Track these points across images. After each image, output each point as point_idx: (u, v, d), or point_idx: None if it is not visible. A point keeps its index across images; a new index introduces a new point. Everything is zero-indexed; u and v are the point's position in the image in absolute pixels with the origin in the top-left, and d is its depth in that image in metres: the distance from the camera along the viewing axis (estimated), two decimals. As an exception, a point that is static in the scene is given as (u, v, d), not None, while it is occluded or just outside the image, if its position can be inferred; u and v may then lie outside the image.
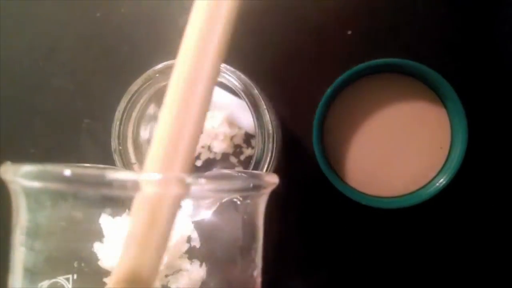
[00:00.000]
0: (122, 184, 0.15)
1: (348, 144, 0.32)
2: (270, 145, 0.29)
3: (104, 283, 0.19)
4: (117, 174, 0.15)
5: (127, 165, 0.29)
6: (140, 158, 0.30)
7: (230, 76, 0.28)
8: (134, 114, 0.29)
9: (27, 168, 0.15)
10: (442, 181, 0.31)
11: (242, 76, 0.29)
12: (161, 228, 0.15)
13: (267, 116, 0.28)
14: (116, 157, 0.29)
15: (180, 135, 0.16)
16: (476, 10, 0.33)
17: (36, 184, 0.16)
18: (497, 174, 0.34)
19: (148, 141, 0.31)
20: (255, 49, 0.35)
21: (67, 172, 0.14)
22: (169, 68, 0.27)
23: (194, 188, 0.16)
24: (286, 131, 0.34)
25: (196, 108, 0.16)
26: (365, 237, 0.35)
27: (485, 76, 0.33)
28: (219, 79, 0.29)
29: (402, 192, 0.32)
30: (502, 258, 0.34)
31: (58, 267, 0.19)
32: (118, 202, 0.19)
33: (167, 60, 0.28)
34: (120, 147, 0.29)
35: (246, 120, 0.32)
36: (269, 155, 0.29)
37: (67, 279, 0.19)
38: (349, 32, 0.34)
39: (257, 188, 0.18)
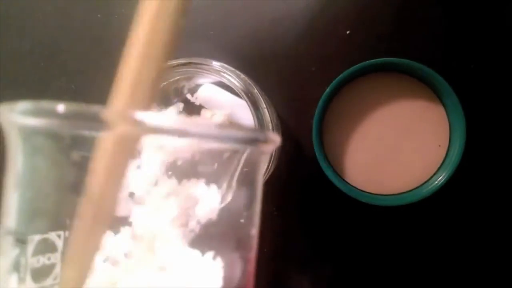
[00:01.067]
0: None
1: (348, 143, 0.33)
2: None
3: None
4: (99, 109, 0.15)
5: None
6: None
7: (230, 75, 0.28)
8: None
9: (24, 104, 0.15)
10: (440, 179, 0.31)
11: (242, 75, 0.29)
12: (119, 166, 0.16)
13: (267, 115, 0.29)
14: None
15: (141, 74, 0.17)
16: (475, 9, 0.34)
17: (31, 120, 0.15)
18: (495, 172, 0.34)
19: None
20: (254, 49, 0.35)
21: (61, 107, 0.14)
22: (169, 68, 0.28)
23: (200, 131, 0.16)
24: (286, 129, 0.35)
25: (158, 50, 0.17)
26: (364, 235, 0.35)
27: (483, 74, 0.34)
28: (219, 79, 0.29)
29: (401, 190, 0.33)
30: (501, 255, 0.34)
31: (50, 221, 0.18)
32: None
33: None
34: None
35: (246, 119, 0.32)
36: (269, 157, 0.29)
37: (59, 236, 0.18)
38: (348, 32, 0.34)
39: (259, 141, 0.17)
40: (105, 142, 0.16)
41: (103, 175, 0.16)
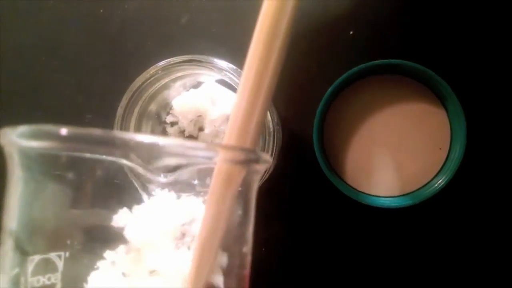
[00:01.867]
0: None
1: (348, 144, 0.33)
2: (271, 144, 0.29)
3: (95, 264, 0.19)
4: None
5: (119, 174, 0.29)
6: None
7: (232, 74, 0.28)
8: (136, 110, 0.29)
9: (25, 128, 0.15)
10: (441, 181, 0.31)
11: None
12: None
13: (268, 115, 0.29)
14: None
15: (252, 114, 0.19)
16: (476, 11, 0.34)
17: (31, 143, 0.16)
18: (496, 175, 0.34)
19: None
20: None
21: (64, 131, 0.15)
22: (171, 65, 0.28)
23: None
24: (287, 130, 0.34)
25: (265, 92, 0.19)
26: (364, 236, 0.35)
27: (485, 77, 0.34)
28: (222, 77, 0.29)
29: (401, 192, 0.33)
30: (501, 258, 0.34)
31: (50, 242, 0.19)
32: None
33: (169, 57, 0.29)
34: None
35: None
36: (270, 153, 0.29)
37: (59, 256, 0.19)
38: (351, 33, 0.34)
39: (253, 161, 0.18)
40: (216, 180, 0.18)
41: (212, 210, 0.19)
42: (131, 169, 0.20)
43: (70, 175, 0.18)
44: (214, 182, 0.19)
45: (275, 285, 0.35)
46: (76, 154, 0.16)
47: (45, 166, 0.18)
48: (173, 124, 0.33)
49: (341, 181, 0.33)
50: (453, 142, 0.32)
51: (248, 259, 0.20)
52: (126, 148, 0.16)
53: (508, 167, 0.34)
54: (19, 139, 0.16)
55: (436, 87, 0.31)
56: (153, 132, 0.32)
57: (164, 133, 0.33)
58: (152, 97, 0.30)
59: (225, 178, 0.18)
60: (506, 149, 0.34)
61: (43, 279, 0.18)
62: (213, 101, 0.31)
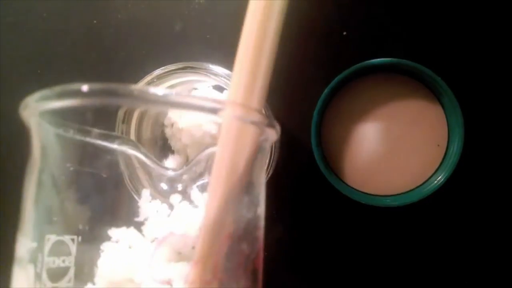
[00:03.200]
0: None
1: (346, 143, 0.33)
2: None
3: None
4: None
5: (129, 166, 0.29)
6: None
7: (228, 80, 0.28)
8: (135, 115, 0.29)
9: (45, 91, 0.16)
10: (439, 178, 0.31)
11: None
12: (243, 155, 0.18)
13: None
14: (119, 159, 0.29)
15: (257, 75, 0.19)
16: (472, 9, 0.34)
17: (55, 104, 0.16)
18: (494, 171, 0.34)
19: (150, 140, 0.31)
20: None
21: (85, 87, 0.15)
22: (166, 73, 0.28)
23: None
24: (284, 130, 0.34)
25: (268, 47, 0.19)
26: (363, 235, 0.35)
27: (481, 74, 0.34)
28: (218, 83, 0.29)
29: (400, 190, 0.33)
30: (500, 255, 0.34)
31: (65, 224, 0.20)
32: None
33: (164, 65, 0.29)
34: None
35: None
36: (268, 154, 0.29)
37: (73, 240, 0.20)
38: (345, 33, 0.34)
39: (265, 124, 0.19)
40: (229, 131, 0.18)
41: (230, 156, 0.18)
42: (140, 162, 0.21)
43: (93, 131, 0.19)
44: (225, 138, 0.18)
45: (276, 285, 0.35)
46: (92, 142, 0.17)
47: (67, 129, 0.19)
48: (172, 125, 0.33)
49: (340, 180, 0.33)
50: (450, 139, 0.32)
51: (262, 221, 0.20)
52: (144, 99, 0.16)
53: (506, 162, 0.34)
54: (41, 102, 0.16)
55: (432, 84, 0.32)
56: (152, 133, 0.32)
57: (162, 133, 0.33)
58: None
59: (237, 135, 0.18)
60: (503, 144, 0.34)
61: (58, 261, 0.19)
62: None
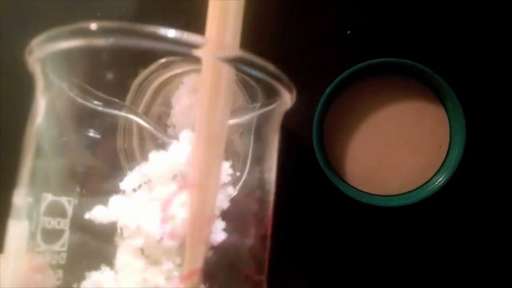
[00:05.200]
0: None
1: (348, 143, 0.33)
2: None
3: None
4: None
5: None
6: (145, 156, 0.29)
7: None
8: (141, 103, 0.29)
9: (55, 30, 0.16)
10: (441, 179, 0.31)
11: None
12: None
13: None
14: (121, 155, 0.28)
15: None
16: (475, 9, 0.34)
17: (69, 43, 0.16)
18: (496, 173, 0.34)
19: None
20: (254, 49, 0.35)
21: (93, 25, 0.15)
22: (172, 62, 0.28)
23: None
24: (286, 130, 0.34)
25: None
26: (364, 235, 0.34)
27: (484, 75, 0.34)
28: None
29: (401, 191, 0.33)
30: (501, 256, 0.34)
31: (62, 185, 0.19)
32: None
33: (168, 56, 0.29)
34: (125, 145, 0.28)
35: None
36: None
37: (69, 202, 0.19)
38: (349, 32, 0.35)
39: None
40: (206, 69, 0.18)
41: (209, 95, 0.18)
42: (140, 130, 0.21)
43: (107, 74, 0.19)
44: (202, 79, 0.18)
45: (276, 285, 0.34)
46: (90, 106, 0.17)
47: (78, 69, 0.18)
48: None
49: (342, 180, 0.32)
50: (452, 140, 0.32)
51: (273, 187, 0.20)
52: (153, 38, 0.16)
53: (507, 164, 0.34)
54: (48, 43, 0.16)
55: (435, 85, 0.32)
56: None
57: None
58: (155, 95, 0.30)
59: (212, 74, 0.18)
60: (505, 146, 0.34)
61: (53, 222, 0.19)
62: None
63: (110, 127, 0.19)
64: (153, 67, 0.27)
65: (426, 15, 0.34)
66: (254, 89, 0.23)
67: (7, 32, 0.37)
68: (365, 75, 0.33)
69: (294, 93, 0.19)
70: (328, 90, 0.31)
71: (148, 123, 0.22)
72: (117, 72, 0.18)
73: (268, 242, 0.20)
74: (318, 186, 0.34)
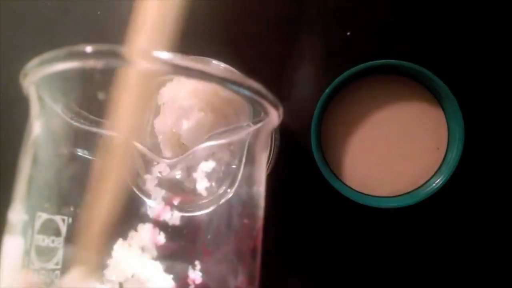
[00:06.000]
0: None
1: (346, 145, 0.33)
2: (269, 145, 0.29)
3: None
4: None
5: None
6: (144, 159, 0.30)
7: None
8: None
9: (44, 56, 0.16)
10: (439, 181, 0.31)
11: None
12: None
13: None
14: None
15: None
16: (474, 12, 0.34)
17: (59, 66, 0.16)
18: (493, 175, 0.34)
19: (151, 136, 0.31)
20: (253, 50, 0.35)
21: (88, 48, 0.15)
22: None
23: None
24: (285, 131, 0.34)
25: None
26: (362, 236, 0.35)
27: (482, 77, 0.34)
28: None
29: (399, 192, 0.33)
30: (499, 257, 0.34)
31: (57, 204, 0.19)
32: None
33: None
34: None
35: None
36: (268, 156, 0.29)
37: (63, 220, 0.20)
38: (348, 33, 0.34)
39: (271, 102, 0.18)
40: (129, 78, 0.17)
41: (128, 107, 0.18)
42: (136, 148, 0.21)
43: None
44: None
45: (275, 285, 0.35)
46: (84, 128, 0.17)
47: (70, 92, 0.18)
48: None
49: (340, 182, 0.33)
50: (450, 142, 0.32)
51: (262, 201, 0.21)
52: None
53: (505, 166, 0.34)
54: (41, 67, 0.16)
55: (433, 87, 0.32)
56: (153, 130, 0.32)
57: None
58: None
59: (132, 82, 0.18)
60: (503, 148, 0.34)
61: (47, 240, 0.19)
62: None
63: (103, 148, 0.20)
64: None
65: (424, 17, 0.34)
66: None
67: (6, 38, 0.37)
68: (364, 77, 0.32)
69: (281, 110, 0.19)
70: (326, 91, 0.31)
71: (141, 144, 0.22)
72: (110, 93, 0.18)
73: (259, 254, 0.20)
74: (316, 187, 0.34)
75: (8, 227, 0.18)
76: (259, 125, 0.20)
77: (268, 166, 0.31)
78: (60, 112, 0.18)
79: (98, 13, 0.36)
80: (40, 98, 0.18)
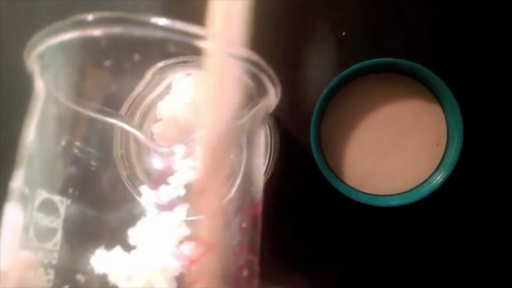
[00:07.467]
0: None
1: (346, 143, 0.33)
2: (268, 148, 0.29)
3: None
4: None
5: (130, 168, 0.29)
6: (143, 162, 0.30)
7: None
8: (136, 117, 0.29)
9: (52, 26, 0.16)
10: (439, 178, 0.31)
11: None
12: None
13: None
14: (117, 161, 0.28)
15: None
16: (472, 9, 0.34)
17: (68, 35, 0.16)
18: (493, 171, 0.34)
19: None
20: (251, 50, 0.35)
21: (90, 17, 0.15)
22: (170, 66, 0.28)
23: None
24: (284, 131, 0.34)
25: None
26: (363, 235, 0.35)
27: (480, 74, 0.34)
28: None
29: (400, 190, 0.33)
30: (499, 254, 0.34)
31: (56, 184, 0.20)
32: None
33: (167, 59, 0.29)
34: (123, 151, 0.29)
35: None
36: (267, 155, 0.29)
37: (62, 202, 0.19)
38: (344, 33, 0.35)
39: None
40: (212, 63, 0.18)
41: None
42: (135, 139, 0.21)
43: (106, 62, 0.19)
44: (209, 73, 0.18)
45: (275, 285, 0.34)
46: (89, 114, 0.18)
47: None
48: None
49: (340, 181, 0.33)
50: (450, 139, 0.32)
51: (261, 171, 0.21)
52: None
53: (505, 162, 0.34)
54: (45, 39, 0.16)
55: (431, 84, 0.32)
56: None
57: None
58: (153, 102, 0.30)
59: (221, 68, 0.18)
60: (502, 144, 0.34)
61: (46, 220, 0.19)
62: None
63: (105, 136, 0.20)
64: (148, 75, 0.27)
65: (422, 14, 0.34)
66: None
67: (5, 34, 0.38)
68: (362, 76, 0.33)
69: (279, 88, 0.19)
70: (325, 91, 0.31)
71: (141, 133, 0.22)
72: (115, 63, 0.18)
73: (259, 228, 0.20)
74: (316, 186, 0.34)
75: (10, 195, 0.18)
76: (260, 104, 0.20)
77: (269, 167, 0.31)
78: (63, 98, 0.18)
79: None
80: (44, 79, 0.18)
